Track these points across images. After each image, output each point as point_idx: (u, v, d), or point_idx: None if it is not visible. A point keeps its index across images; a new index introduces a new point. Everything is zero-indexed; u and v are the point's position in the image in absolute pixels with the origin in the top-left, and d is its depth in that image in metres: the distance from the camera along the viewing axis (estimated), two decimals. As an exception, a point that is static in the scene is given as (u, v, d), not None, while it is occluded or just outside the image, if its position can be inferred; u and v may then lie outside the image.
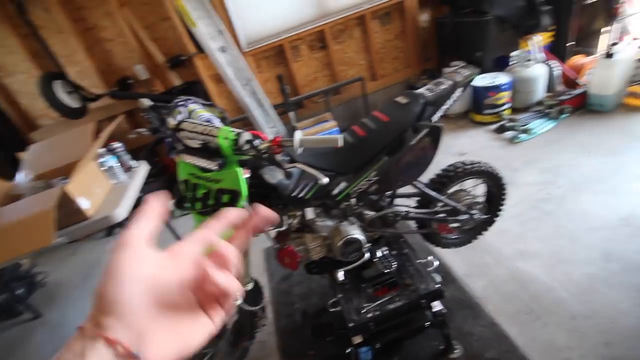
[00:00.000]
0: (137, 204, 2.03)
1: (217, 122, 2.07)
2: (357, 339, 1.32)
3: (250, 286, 1.36)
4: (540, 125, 2.92)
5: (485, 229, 1.83)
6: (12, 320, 2.63)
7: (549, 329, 1.50)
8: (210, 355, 1.42)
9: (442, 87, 1.40)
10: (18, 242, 1.56)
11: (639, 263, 1.64)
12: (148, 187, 2.93)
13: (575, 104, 2.96)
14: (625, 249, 1.73)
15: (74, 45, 3.08)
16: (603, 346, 1.38)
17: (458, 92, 1.43)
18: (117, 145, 2.15)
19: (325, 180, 1.04)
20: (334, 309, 1.44)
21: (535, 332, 1.50)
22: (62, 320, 2.52)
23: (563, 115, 2.93)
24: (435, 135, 1.35)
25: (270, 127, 3.03)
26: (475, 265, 1.88)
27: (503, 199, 1.76)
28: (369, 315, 1.30)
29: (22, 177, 2.04)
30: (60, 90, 2.89)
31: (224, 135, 1.03)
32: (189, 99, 2.34)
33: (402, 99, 1.38)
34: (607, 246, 1.77)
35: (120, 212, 1.82)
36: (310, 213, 1.46)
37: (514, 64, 3.22)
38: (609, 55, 2.69)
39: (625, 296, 1.53)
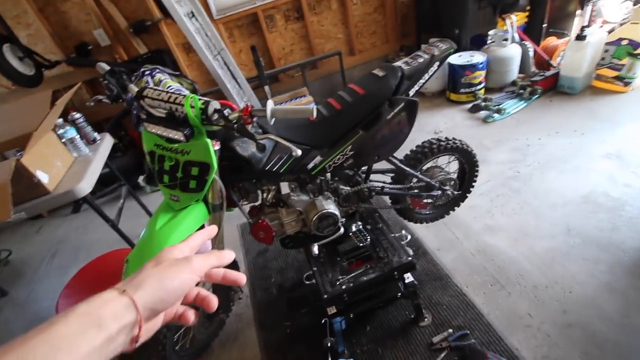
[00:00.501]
0: (102, 179, 1.93)
1: (185, 93, 1.96)
2: (332, 310, 1.34)
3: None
4: (513, 106, 2.99)
5: (458, 205, 1.88)
6: (-23, 299, 2.51)
7: (512, 298, 1.58)
8: (186, 328, 1.41)
9: (420, 60, 1.38)
10: (-32, 217, 1.45)
11: (597, 238, 1.75)
12: (114, 161, 2.80)
13: (546, 85, 3.04)
14: (584, 224, 1.84)
15: (24, 5, 2.78)
16: (561, 313, 1.48)
17: (435, 67, 1.41)
18: (77, 115, 2.00)
19: (299, 152, 1.01)
20: (309, 282, 1.45)
21: (499, 301, 1.58)
22: (29, 298, 2.42)
23: (534, 96, 3.00)
24: (411, 110, 1.34)
25: (244, 101, 2.92)
26: (446, 240, 1.94)
27: (475, 176, 1.80)
28: (343, 287, 1.31)
29: (-30, 148, 1.87)
30: (10, 55, 2.64)
31: (191, 103, 0.97)
32: (156, 68, 2.20)
33: (378, 71, 1.35)
34: (569, 221, 1.87)
35: (84, 187, 1.72)
36: (285, 187, 1.44)
37: (490, 43, 3.24)
38: (580, 38, 2.75)
39: (582, 268, 1.63)
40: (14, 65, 2.63)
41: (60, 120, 1.88)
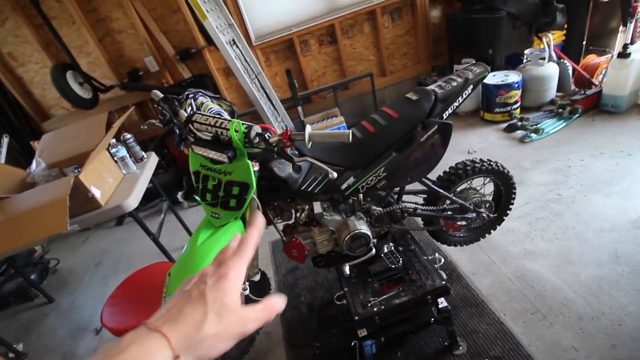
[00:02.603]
0: (145, 194, 2.06)
1: (226, 115, 2.09)
2: (362, 332, 1.33)
3: (257, 277, 1.38)
4: (551, 125, 2.88)
5: (494, 228, 1.82)
6: (27, 304, 2.72)
7: (555, 329, 1.49)
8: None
9: (453, 84, 1.39)
10: (33, 228, 1.60)
11: (649, 266, 1.63)
12: (157, 177, 2.98)
13: (587, 104, 2.92)
14: (635, 251, 1.72)
15: (86, 36, 3.11)
16: (609, 348, 1.38)
17: (469, 90, 1.42)
18: (128, 136, 2.17)
19: (335, 175, 1.05)
20: (340, 302, 1.45)
21: (540, 331, 1.50)
22: (73, 305, 2.58)
23: (575, 116, 2.89)
24: (444, 133, 1.35)
25: (278, 122, 3.03)
26: (482, 264, 1.88)
27: (512, 198, 1.75)
28: (375, 309, 1.31)
29: (36, 165, 2.08)
30: (72, 81, 2.93)
31: (235, 127, 1.04)
32: (198, 92, 2.36)
33: (412, 95, 1.37)
34: (617, 248, 1.76)
35: (131, 202, 1.85)
36: (318, 207, 1.47)
37: (526, 62, 3.18)
38: (623, 55, 2.64)
39: (633, 299, 1.52)
40: (75, 89, 2.92)
41: (113, 140, 2.05)
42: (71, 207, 1.65)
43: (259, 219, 0.47)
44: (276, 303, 0.42)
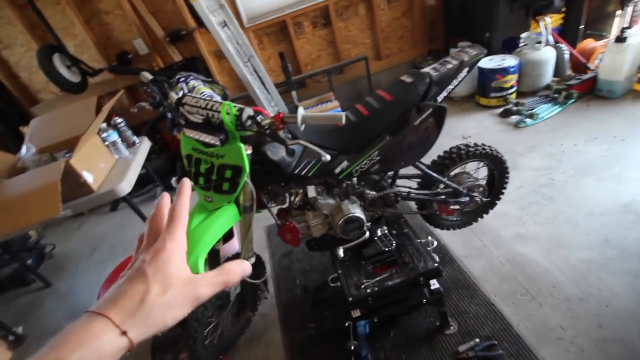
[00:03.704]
0: (139, 179, 2.05)
1: (218, 99, 2.05)
2: (356, 313, 1.35)
3: (252, 260, 1.38)
4: (547, 110, 2.88)
5: (486, 212, 1.84)
6: (24, 288, 2.73)
7: (544, 309, 1.53)
8: (215, 324, 1.47)
9: (448, 66, 1.37)
10: (26, 213, 1.59)
11: (637, 249, 1.66)
12: (150, 163, 2.95)
13: (583, 89, 2.91)
14: (624, 235, 1.75)
15: (71, 17, 3.01)
16: (596, 327, 1.42)
17: (464, 73, 1.41)
18: (119, 120, 2.14)
19: (328, 157, 1.04)
20: (334, 284, 1.47)
21: (529, 312, 1.54)
22: (71, 290, 2.60)
23: (570, 101, 2.89)
24: (439, 116, 1.34)
25: (272, 106, 2.99)
26: (474, 247, 1.91)
27: (505, 183, 1.76)
28: (368, 290, 1.33)
29: (25, 150, 2.04)
30: (59, 64, 2.85)
31: (227, 110, 1.02)
32: (190, 75, 2.32)
33: (406, 78, 1.36)
34: (607, 232, 1.79)
35: (124, 187, 1.84)
36: (312, 191, 1.47)
37: (522, 46, 3.15)
38: (620, 40, 2.62)
39: (621, 281, 1.56)
40: (62, 73, 2.84)
41: (104, 124, 2.02)
42: (63, 192, 1.63)
43: (185, 185, 0.45)
44: (235, 266, 0.42)
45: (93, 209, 3.46)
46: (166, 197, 0.46)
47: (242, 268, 0.42)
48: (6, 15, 2.98)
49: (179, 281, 0.37)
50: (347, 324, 1.47)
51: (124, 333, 0.32)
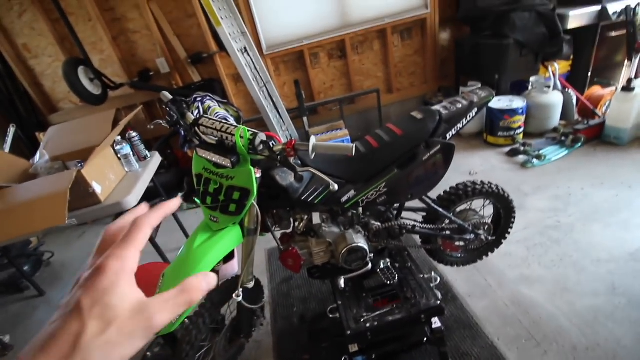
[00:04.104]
0: (145, 193, 2.07)
1: (232, 121, 2.10)
2: (353, 348, 1.31)
3: (251, 284, 1.37)
4: (554, 152, 2.90)
5: (491, 251, 1.82)
6: (17, 295, 2.70)
7: (549, 357, 1.48)
8: (208, 349, 1.43)
9: (458, 105, 1.41)
10: (32, 219, 1.60)
11: (645, 300, 1.62)
12: (158, 177, 2.98)
13: (590, 134, 2.94)
14: (632, 284, 1.71)
15: (101, 33, 3.17)
16: (602, 381, 1.36)
17: (473, 113, 1.44)
18: (133, 134, 2.19)
19: (336, 187, 1.05)
20: (332, 316, 1.44)
21: (534, 358, 1.48)
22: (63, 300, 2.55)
23: (577, 145, 2.91)
24: (447, 153, 1.36)
25: (283, 130, 3.06)
26: (478, 286, 1.87)
27: (511, 222, 1.75)
28: (367, 324, 1.29)
29: (39, 157, 2.09)
30: (83, 76, 2.97)
31: (241, 134, 1.05)
32: (207, 96, 2.39)
33: (417, 114, 1.39)
34: (614, 280, 1.75)
35: (131, 200, 1.85)
36: (316, 218, 1.47)
37: (531, 89, 3.22)
38: (627, 89, 2.67)
39: (628, 331, 1.50)
40: (85, 85, 2.95)
41: (119, 137, 2.07)
42: (71, 200, 1.65)
43: (170, 203, 0.39)
44: (197, 282, 0.35)
45: (97, 220, 3.47)
46: (142, 208, 0.39)
47: (206, 282, 0.35)
48: (39, 27, 3.14)
49: (124, 312, 0.30)
50: (343, 359, 1.42)
51: None
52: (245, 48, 2.83)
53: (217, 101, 2.39)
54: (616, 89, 3.10)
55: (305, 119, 3.28)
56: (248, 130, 1.07)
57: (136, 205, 1.87)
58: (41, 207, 1.63)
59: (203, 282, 0.35)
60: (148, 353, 1.33)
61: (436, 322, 1.38)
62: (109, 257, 0.32)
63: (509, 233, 1.78)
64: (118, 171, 2.04)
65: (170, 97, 1.26)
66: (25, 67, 3.30)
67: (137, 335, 0.30)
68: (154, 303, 0.31)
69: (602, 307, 1.63)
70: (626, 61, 3.25)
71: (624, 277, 1.75)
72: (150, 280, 1.60)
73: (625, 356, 1.42)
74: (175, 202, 0.40)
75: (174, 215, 2.75)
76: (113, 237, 0.36)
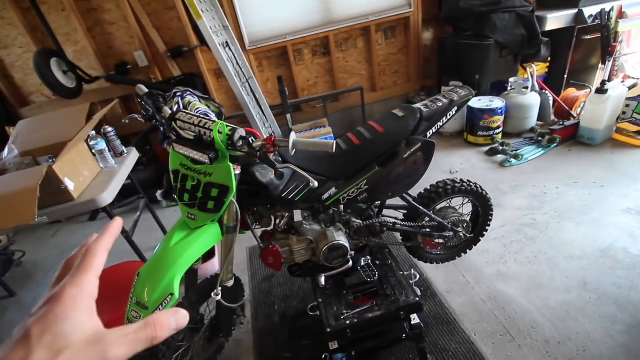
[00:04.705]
0: (122, 190, 2.00)
1: (213, 117, 2.06)
2: (334, 345, 1.31)
3: (230, 283, 1.34)
4: (530, 152, 2.99)
5: (470, 248, 1.85)
6: (-16, 297, 2.57)
7: (523, 351, 1.52)
8: (186, 349, 1.40)
9: (439, 104, 1.42)
10: (-2, 216, 1.52)
11: (614, 295, 1.68)
12: (137, 174, 2.90)
13: (565, 134, 3.04)
14: (602, 279, 1.78)
15: (75, 24, 3.04)
16: (572, 373, 1.41)
17: (453, 112, 1.46)
18: (109, 129, 2.12)
19: (316, 184, 1.05)
20: (313, 313, 1.43)
21: (508, 353, 1.52)
22: (35, 301, 2.43)
23: (553, 145, 3.00)
24: (427, 151, 1.37)
25: (265, 127, 3.02)
26: (456, 283, 1.90)
27: (489, 220, 1.78)
28: (347, 322, 1.30)
29: (8, 152, 1.99)
30: (56, 69, 2.85)
31: (219, 129, 1.03)
32: (187, 91, 2.33)
33: (398, 112, 1.40)
34: (585, 276, 1.81)
35: (106, 197, 1.79)
36: (297, 215, 1.46)
37: (510, 89, 3.30)
38: (601, 91, 2.77)
39: (598, 326, 1.56)
40: (58, 77, 2.83)
41: (93, 132, 1.99)
42: (41, 197, 1.58)
43: (114, 224, 0.39)
44: (166, 319, 0.33)
45: (71, 217, 3.35)
46: (93, 236, 0.38)
47: (175, 319, 0.33)
48: (8, 16, 2.99)
49: (78, 341, 0.28)
50: (323, 356, 1.42)
51: None
52: (227, 42, 2.78)
53: (198, 96, 2.33)
54: (590, 91, 3.22)
55: (288, 116, 3.25)
56: (227, 126, 1.04)
57: (110, 204, 1.81)
58: (9, 204, 1.56)
59: (172, 320, 0.33)
60: (122, 354, 1.29)
61: (415, 319, 1.40)
62: (65, 285, 0.31)
63: (486, 230, 1.82)
64: (92, 167, 1.96)
65: (146, 90, 1.22)
66: (-6, 58, 3.14)
67: None
68: (112, 335, 0.30)
69: (574, 302, 1.69)
70: (600, 64, 3.38)
71: (595, 273, 1.82)
72: (125, 278, 1.55)
73: (594, 349, 1.48)
74: (117, 222, 0.40)
75: (153, 213, 2.68)
76: (71, 267, 0.34)
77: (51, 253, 2.97)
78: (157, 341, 0.32)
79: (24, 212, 1.52)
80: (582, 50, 3.54)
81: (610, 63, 3.25)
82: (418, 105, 1.41)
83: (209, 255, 2.01)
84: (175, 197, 1.20)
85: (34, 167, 1.90)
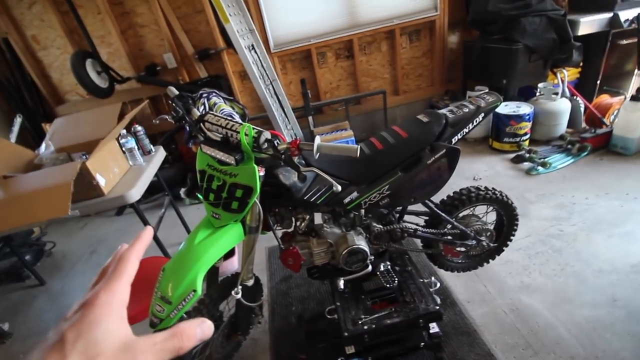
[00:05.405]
0: (149, 187, 2.07)
1: (237, 118, 2.10)
2: (350, 350, 1.31)
3: (251, 282, 1.37)
4: (559, 160, 2.88)
5: (492, 258, 1.81)
6: (18, 284, 2.72)
7: (546, 367, 1.47)
8: (204, 345, 1.44)
9: (465, 110, 1.40)
10: (35, 209, 1.61)
11: (646, 313, 1.60)
12: (162, 172, 3.00)
13: (597, 143, 2.92)
14: (632, 296, 1.69)
15: (109, 27, 3.18)
16: (600, 392, 1.35)
17: (479, 118, 1.43)
18: (139, 128, 2.20)
19: (339, 188, 1.05)
20: (330, 317, 1.44)
21: (531, 368, 1.47)
22: (64, 290, 2.58)
23: (583, 153, 2.89)
24: (452, 157, 1.35)
25: (287, 129, 3.06)
26: (477, 292, 1.86)
27: (514, 230, 1.74)
28: (365, 327, 1.29)
29: (45, 148, 2.10)
30: (90, 69, 2.99)
31: (246, 131, 1.05)
32: (213, 92, 2.39)
33: (423, 117, 1.38)
34: (615, 291, 1.73)
35: (134, 194, 1.86)
36: (318, 218, 1.47)
37: (539, 95, 3.20)
38: (636, 98, 2.65)
39: (627, 344, 1.49)
40: (92, 77, 2.97)
41: (124, 130, 2.08)
42: (74, 192, 1.66)
43: (146, 232, 0.41)
44: (192, 329, 0.34)
45: (99, 212, 3.49)
46: (124, 246, 0.39)
47: (201, 329, 0.34)
48: (48, 19, 3.16)
49: (110, 348, 0.29)
50: (339, 360, 1.42)
51: None
52: (252, 45, 2.83)
53: (223, 98, 2.39)
54: (625, 98, 3.07)
55: (310, 118, 3.27)
56: (253, 128, 1.07)
57: (139, 200, 1.88)
58: (44, 198, 1.64)
59: (197, 330, 0.34)
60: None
61: (434, 327, 1.38)
62: (99, 291, 0.32)
63: (511, 240, 1.77)
64: (122, 164, 2.05)
65: (177, 92, 1.27)
66: (34, 58, 3.32)
67: None
68: (141, 344, 0.31)
69: (602, 318, 1.62)
70: (636, 70, 3.23)
71: (625, 289, 1.73)
72: (150, 273, 1.60)
73: (624, 369, 1.41)
74: (149, 231, 0.41)
75: (176, 210, 2.76)
76: (105, 274, 0.35)
77: (79, 245, 3.10)
78: (183, 351, 0.33)
79: (58, 205, 1.60)
80: (617, 56, 3.39)
81: (648, 69, 3.09)
82: (443, 111, 1.39)
83: (229, 253, 2.05)
84: (201, 196, 1.24)
85: (68, 162, 2.00)
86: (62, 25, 3.16)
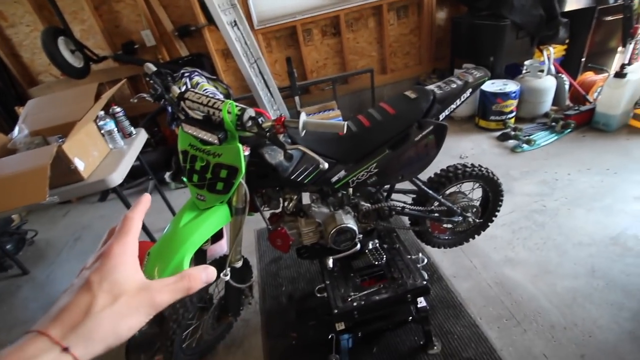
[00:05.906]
0: (132, 171, 2.01)
1: (220, 97, 2.03)
2: (340, 326, 1.33)
3: (239, 264, 1.36)
4: (543, 138, 2.92)
5: (478, 233, 1.84)
6: (0, 274, 2.64)
7: (528, 335, 1.53)
8: (195, 327, 1.44)
9: (452, 86, 1.38)
10: (11, 196, 1.54)
11: (622, 282, 1.67)
12: (145, 155, 2.91)
13: (580, 120, 2.96)
14: (610, 267, 1.76)
15: (81, 2, 3.00)
16: (578, 357, 1.42)
17: (467, 94, 1.42)
18: (117, 109, 2.11)
19: (326, 165, 1.03)
20: (320, 295, 1.45)
21: (513, 337, 1.53)
22: (48, 279, 2.53)
23: (567, 130, 2.93)
24: (439, 134, 1.34)
25: (274, 109, 2.99)
26: (463, 267, 1.90)
27: (499, 206, 1.76)
28: (354, 304, 1.31)
29: (18, 131, 2.00)
30: (63, 48, 2.83)
31: (228, 109, 1.01)
32: (195, 71, 2.30)
33: (411, 94, 1.36)
34: (594, 263, 1.80)
35: (115, 178, 1.80)
36: (306, 198, 1.46)
37: (525, 73, 3.20)
38: (620, 75, 2.68)
39: (605, 312, 1.56)
40: (65, 57, 2.81)
41: (102, 112, 1.99)
42: (52, 177, 1.60)
43: (145, 197, 0.44)
44: (198, 272, 0.39)
45: (81, 198, 3.40)
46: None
47: (206, 274, 0.40)
48: (14, -6, 2.96)
49: (130, 288, 0.34)
50: (330, 337, 1.45)
51: (65, 349, 0.29)
52: (235, 21, 2.71)
53: (206, 77, 2.30)
54: (609, 75, 3.11)
55: (297, 98, 3.21)
56: (236, 105, 1.03)
57: (120, 185, 1.82)
58: (20, 184, 1.58)
59: (203, 274, 0.39)
60: (135, 330, 1.33)
61: (421, 302, 1.41)
62: (112, 244, 0.36)
63: (495, 216, 1.81)
64: (101, 147, 1.97)
65: (155, 68, 1.21)
66: (1, 37, 3.12)
67: (142, 311, 0.34)
68: (156, 285, 0.36)
69: (581, 288, 1.68)
70: (620, 47, 3.25)
71: (603, 260, 1.80)
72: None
73: (600, 335, 1.48)
74: (147, 197, 0.45)
75: (161, 194, 2.71)
76: (113, 233, 0.40)
77: (62, 232, 3.03)
78: (191, 291, 0.38)
79: (35, 191, 1.54)
80: (602, 32, 3.40)
81: (632, 46, 3.11)
82: (431, 87, 1.37)
83: (217, 236, 2.03)
84: (184, 178, 1.20)
85: (44, 146, 1.91)
86: (30, 0, 2.96)
